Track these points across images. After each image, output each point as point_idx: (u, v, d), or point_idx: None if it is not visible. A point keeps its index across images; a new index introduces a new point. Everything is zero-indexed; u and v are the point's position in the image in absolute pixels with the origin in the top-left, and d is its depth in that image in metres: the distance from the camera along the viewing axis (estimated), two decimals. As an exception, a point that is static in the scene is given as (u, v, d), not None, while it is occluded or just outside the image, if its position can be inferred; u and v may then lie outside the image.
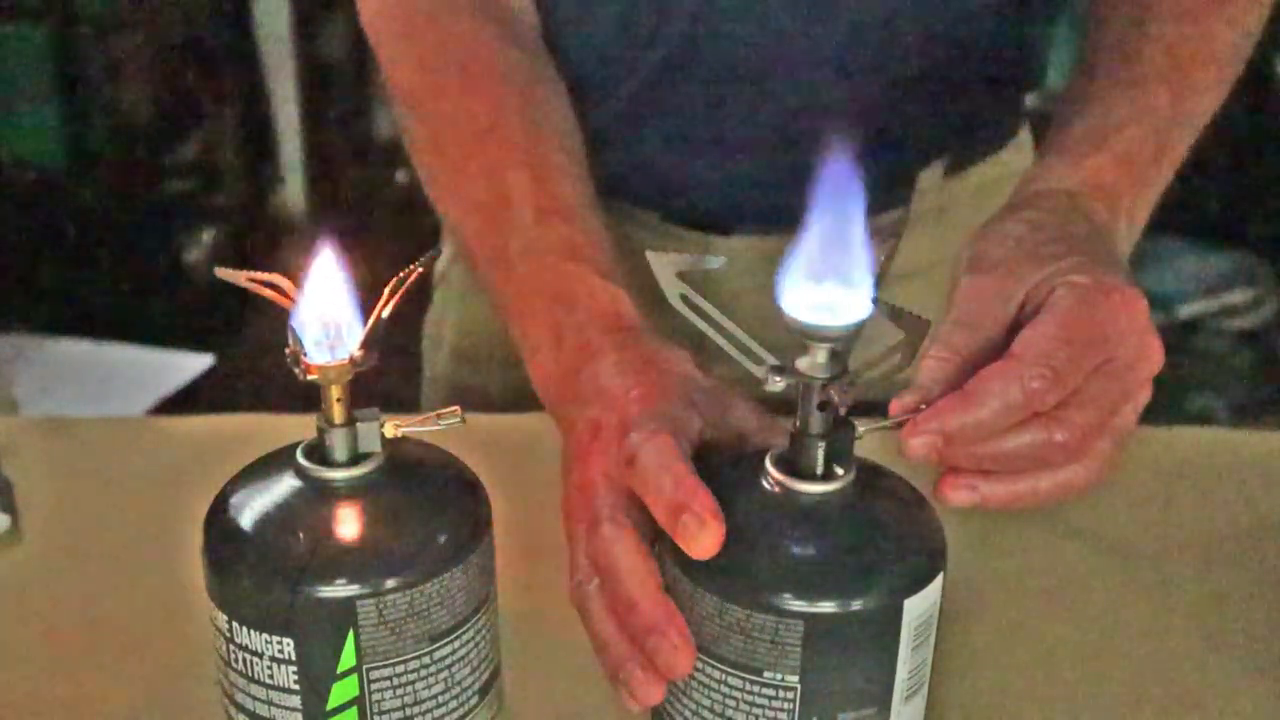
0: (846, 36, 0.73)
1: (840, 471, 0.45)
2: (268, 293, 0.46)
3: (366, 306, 0.46)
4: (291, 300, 0.45)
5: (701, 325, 0.45)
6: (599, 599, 0.48)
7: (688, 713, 0.46)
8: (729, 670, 0.44)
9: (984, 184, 0.85)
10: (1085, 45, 0.69)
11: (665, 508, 0.45)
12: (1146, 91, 0.63)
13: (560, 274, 0.61)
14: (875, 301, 0.43)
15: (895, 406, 0.47)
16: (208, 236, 2.54)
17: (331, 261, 0.46)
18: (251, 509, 0.46)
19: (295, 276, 0.46)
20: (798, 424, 0.45)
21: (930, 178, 0.82)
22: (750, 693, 0.44)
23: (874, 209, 0.44)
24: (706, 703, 0.45)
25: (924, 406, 0.47)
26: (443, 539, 0.46)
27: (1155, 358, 0.50)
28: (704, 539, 0.43)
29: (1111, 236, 0.57)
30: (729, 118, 0.77)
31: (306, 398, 0.48)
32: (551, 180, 0.66)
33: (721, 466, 0.47)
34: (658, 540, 0.47)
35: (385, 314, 0.46)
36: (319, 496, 0.46)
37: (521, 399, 0.77)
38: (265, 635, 0.45)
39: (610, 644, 0.47)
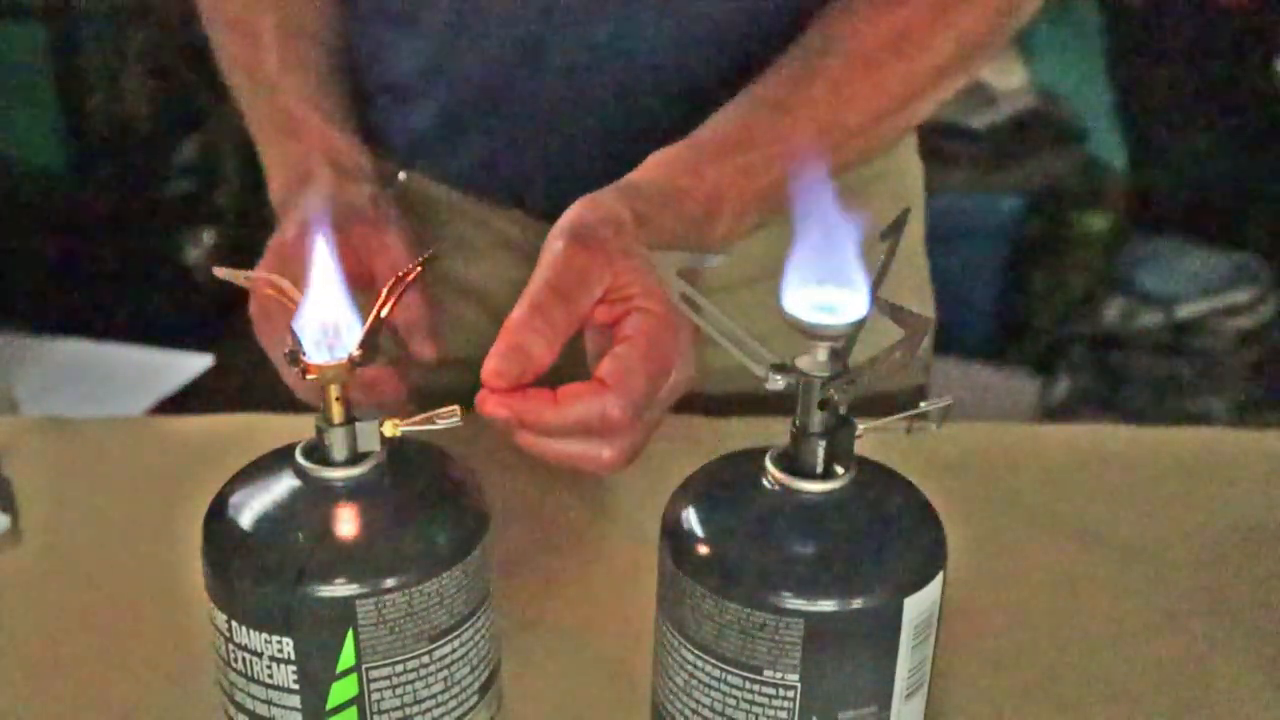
0: (682, 37, 0.74)
1: (840, 470, 0.45)
2: (268, 292, 0.46)
3: (366, 306, 0.46)
4: (291, 300, 0.45)
5: (701, 323, 0.45)
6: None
7: (688, 711, 0.46)
8: (729, 669, 0.44)
9: (858, 180, 0.79)
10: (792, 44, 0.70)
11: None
12: (792, 119, 0.65)
13: (290, 114, 0.77)
14: (875, 300, 0.43)
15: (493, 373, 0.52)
16: (208, 236, 2.54)
17: (331, 261, 0.46)
18: (251, 509, 0.46)
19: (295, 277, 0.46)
20: (798, 422, 0.45)
21: None
22: (750, 691, 0.44)
23: None
24: (706, 701, 0.45)
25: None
26: (442, 539, 0.46)
27: (691, 377, 0.57)
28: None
29: (702, 234, 0.62)
30: (574, 111, 0.77)
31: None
32: (299, 43, 0.81)
33: (722, 465, 0.47)
34: (659, 540, 0.47)
35: (384, 314, 0.46)
36: (318, 496, 0.46)
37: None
38: (264, 635, 0.45)
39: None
